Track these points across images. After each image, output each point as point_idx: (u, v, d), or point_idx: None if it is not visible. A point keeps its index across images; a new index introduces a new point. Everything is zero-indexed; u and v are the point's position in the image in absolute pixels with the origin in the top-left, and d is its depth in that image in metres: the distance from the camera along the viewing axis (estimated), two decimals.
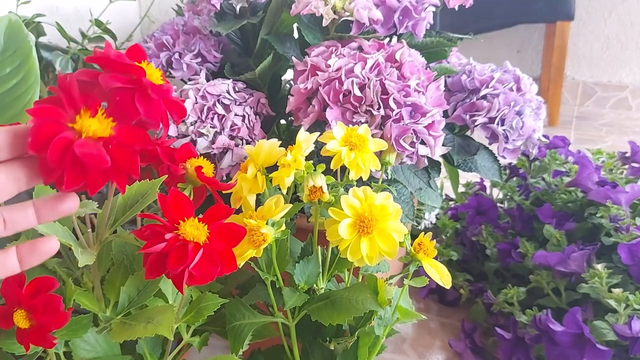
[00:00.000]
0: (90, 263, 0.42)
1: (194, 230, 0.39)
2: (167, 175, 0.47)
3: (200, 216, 0.40)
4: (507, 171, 1.06)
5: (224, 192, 0.53)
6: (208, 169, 0.50)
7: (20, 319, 0.41)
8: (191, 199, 0.50)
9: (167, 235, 0.38)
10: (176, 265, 0.37)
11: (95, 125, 0.31)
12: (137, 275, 0.49)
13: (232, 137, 0.64)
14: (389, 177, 0.60)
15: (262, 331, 0.56)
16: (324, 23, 0.63)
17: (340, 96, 0.60)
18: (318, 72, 0.62)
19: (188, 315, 0.50)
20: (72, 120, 0.31)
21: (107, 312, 0.48)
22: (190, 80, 0.71)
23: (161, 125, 0.36)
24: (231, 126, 0.64)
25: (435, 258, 0.50)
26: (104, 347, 0.49)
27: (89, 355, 0.47)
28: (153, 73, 0.36)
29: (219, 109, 0.64)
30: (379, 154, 0.57)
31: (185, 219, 0.39)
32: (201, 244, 0.39)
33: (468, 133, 0.76)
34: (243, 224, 0.47)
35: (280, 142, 0.54)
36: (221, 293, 0.55)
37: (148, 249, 0.38)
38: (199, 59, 0.75)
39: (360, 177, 0.51)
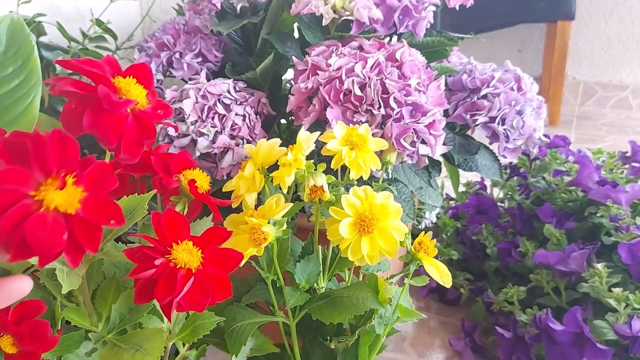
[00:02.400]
0: (76, 287, 0.39)
1: (187, 255, 0.36)
2: (155, 191, 0.44)
3: (198, 224, 0.39)
4: (508, 170, 1.06)
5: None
6: (203, 182, 0.48)
7: (7, 345, 0.39)
8: (187, 210, 0.48)
9: (157, 261, 0.36)
10: (164, 295, 0.35)
11: (59, 199, 0.28)
12: (129, 292, 0.47)
13: (232, 137, 0.65)
14: (390, 176, 0.60)
15: (262, 346, 0.55)
16: (324, 22, 0.63)
17: (341, 95, 0.60)
18: (318, 72, 0.62)
19: (183, 333, 0.48)
20: (36, 186, 0.28)
21: (98, 327, 0.47)
22: (190, 79, 0.71)
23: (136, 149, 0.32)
24: (232, 126, 0.64)
25: (436, 257, 0.50)
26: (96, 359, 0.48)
27: None
28: (132, 89, 0.33)
29: (220, 109, 0.64)
30: (380, 154, 0.57)
31: (179, 241, 0.37)
32: (193, 270, 0.36)
33: (469, 132, 0.77)
34: (244, 223, 0.47)
35: (281, 141, 0.54)
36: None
37: (137, 274, 0.36)
38: (200, 59, 0.75)
39: (361, 177, 0.51)
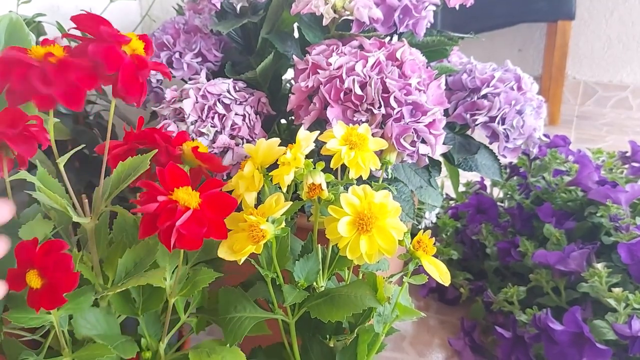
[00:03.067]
0: (85, 222, 0.46)
1: (186, 195, 0.42)
2: (156, 150, 0.49)
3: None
4: (508, 170, 1.06)
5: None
6: (203, 149, 0.53)
7: (33, 278, 0.42)
8: None
9: (160, 197, 0.41)
10: (165, 222, 0.41)
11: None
12: (134, 248, 0.51)
13: (232, 137, 0.65)
14: (390, 176, 0.60)
15: (256, 327, 0.56)
16: (324, 22, 0.63)
17: (341, 94, 0.60)
18: (319, 71, 0.62)
19: (184, 290, 0.52)
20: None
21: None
22: (190, 79, 0.71)
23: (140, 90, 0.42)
24: (232, 125, 0.64)
25: (436, 257, 0.50)
26: (104, 326, 0.51)
27: (90, 333, 0.50)
28: (131, 37, 0.42)
29: (220, 109, 0.64)
30: (380, 153, 0.57)
31: (180, 187, 0.43)
32: (191, 208, 0.42)
33: (469, 132, 0.77)
34: (243, 221, 0.47)
35: (281, 141, 0.54)
36: (216, 285, 0.56)
37: (142, 208, 0.41)
38: (200, 58, 0.75)
39: (361, 176, 0.51)
